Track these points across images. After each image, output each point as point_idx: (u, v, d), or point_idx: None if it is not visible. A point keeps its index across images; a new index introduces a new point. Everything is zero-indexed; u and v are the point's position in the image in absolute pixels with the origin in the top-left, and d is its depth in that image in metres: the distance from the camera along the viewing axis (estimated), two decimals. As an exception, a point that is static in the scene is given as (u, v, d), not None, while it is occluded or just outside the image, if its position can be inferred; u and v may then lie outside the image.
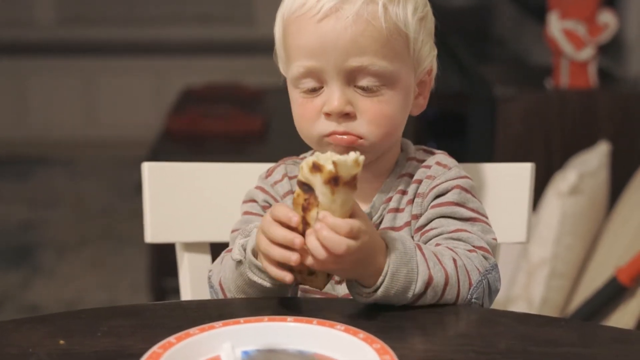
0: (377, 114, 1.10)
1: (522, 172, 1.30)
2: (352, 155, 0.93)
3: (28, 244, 3.72)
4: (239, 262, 1.05)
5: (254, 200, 1.19)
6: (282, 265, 0.98)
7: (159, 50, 4.99)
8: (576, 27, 2.51)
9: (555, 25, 2.53)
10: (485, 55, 3.82)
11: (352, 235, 0.94)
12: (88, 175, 4.64)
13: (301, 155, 1.23)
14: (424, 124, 3.68)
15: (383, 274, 0.98)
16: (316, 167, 0.93)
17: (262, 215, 1.16)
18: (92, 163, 4.79)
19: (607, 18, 2.51)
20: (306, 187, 0.94)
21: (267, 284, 1.03)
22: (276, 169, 1.22)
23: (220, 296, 1.10)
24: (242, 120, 3.61)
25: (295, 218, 0.95)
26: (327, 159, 0.93)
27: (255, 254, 1.04)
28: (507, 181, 1.31)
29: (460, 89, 3.49)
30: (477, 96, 2.97)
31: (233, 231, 1.17)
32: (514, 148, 2.53)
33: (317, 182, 0.93)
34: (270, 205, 1.17)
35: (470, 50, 3.62)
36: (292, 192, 1.17)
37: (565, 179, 2.20)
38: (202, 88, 4.20)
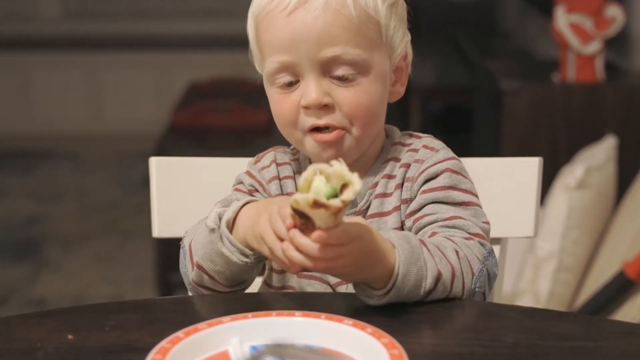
0: (356, 104, 1.10)
1: (529, 167, 1.30)
2: (357, 183, 0.90)
3: (33, 238, 3.73)
4: (212, 230, 1.05)
5: (240, 183, 1.20)
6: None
7: (164, 44, 4.99)
8: (583, 20, 2.51)
9: (562, 19, 2.53)
10: (491, 49, 3.82)
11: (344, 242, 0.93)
12: (93, 169, 4.65)
13: (292, 147, 1.23)
14: (429, 117, 3.68)
15: (394, 275, 0.97)
16: (318, 205, 0.89)
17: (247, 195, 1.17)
18: (97, 157, 4.80)
19: (613, 12, 2.51)
20: (301, 214, 0.91)
21: (234, 258, 1.04)
22: (265, 155, 1.23)
23: (188, 258, 1.10)
24: (247, 115, 3.61)
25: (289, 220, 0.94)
26: (320, 189, 0.89)
27: (229, 226, 1.04)
28: (514, 176, 1.31)
29: (466, 83, 3.49)
30: (483, 90, 2.96)
31: (217, 204, 1.17)
32: (520, 142, 2.53)
33: (320, 214, 0.90)
34: (256, 189, 1.18)
35: (476, 44, 3.62)
36: (278, 177, 1.18)
37: (573, 173, 2.20)
38: (207, 82, 4.19)
